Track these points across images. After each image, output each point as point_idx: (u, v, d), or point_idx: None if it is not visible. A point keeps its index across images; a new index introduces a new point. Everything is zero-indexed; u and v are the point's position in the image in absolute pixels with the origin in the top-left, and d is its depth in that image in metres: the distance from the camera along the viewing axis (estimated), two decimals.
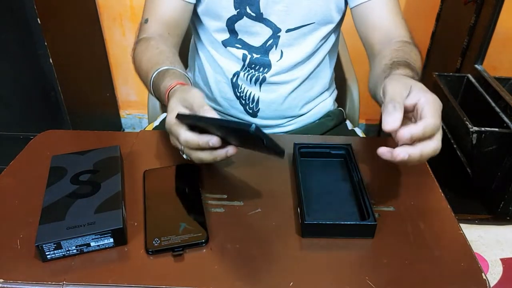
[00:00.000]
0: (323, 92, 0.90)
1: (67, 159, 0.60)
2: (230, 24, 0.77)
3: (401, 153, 0.47)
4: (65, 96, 1.43)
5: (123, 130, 1.99)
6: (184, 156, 0.55)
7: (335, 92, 0.97)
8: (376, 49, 0.76)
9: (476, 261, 0.48)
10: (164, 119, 0.93)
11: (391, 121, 0.47)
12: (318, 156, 0.64)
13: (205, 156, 0.52)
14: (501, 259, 1.17)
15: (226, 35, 0.79)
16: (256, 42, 0.79)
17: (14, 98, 1.44)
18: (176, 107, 0.55)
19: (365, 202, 0.53)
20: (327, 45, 0.84)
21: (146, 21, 0.78)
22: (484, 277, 0.46)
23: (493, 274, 1.14)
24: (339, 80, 1.01)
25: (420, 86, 0.53)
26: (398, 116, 0.47)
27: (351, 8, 0.79)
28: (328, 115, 0.92)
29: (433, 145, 0.48)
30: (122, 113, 1.97)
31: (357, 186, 0.56)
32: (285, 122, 0.88)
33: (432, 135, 0.48)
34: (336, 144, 0.65)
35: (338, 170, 0.62)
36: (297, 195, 0.56)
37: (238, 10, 0.75)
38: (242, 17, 0.76)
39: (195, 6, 0.79)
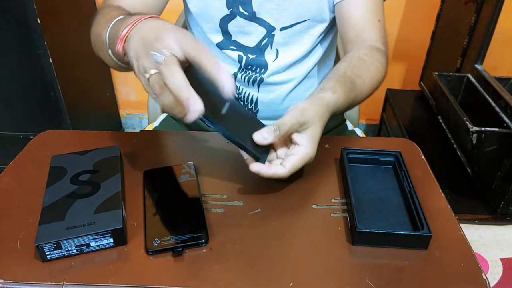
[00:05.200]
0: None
1: (67, 159, 0.60)
2: (223, 24, 0.77)
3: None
4: (65, 96, 1.43)
5: (123, 130, 1.99)
6: (145, 78, 0.47)
7: None
8: (348, 48, 0.75)
9: (476, 261, 0.48)
10: (164, 120, 0.93)
11: (262, 137, 0.53)
12: (366, 163, 0.63)
13: (165, 97, 0.46)
14: (501, 259, 1.17)
15: (220, 37, 0.79)
16: (250, 42, 0.78)
17: (14, 98, 1.44)
18: (173, 28, 0.48)
19: (418, 212, 0.51)
20: (324, 44, 0.84)
21: None
22: (484, 277, 0.46)
23: (493, 274, 1.14)
24: None
25: (313, 133, 0.56)
26: (271, 138, 0.53)
27: (334, 5, 0.77)
28: None
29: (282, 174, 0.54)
30: (122, 113, 1.97)
31: (408, 195, 0.55)
32: None
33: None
34: (385, 151, 0.63)
35: (387, 178, 0.61)
36: (347, 202, 0.55)
37: (231, 9, 0.75)
38: (235, 17, 0.76)
39: (188, 7, 0.79)
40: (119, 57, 0.56)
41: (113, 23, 0.57)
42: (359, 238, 0.50)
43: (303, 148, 0.55)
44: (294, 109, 0.55)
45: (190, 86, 0.45)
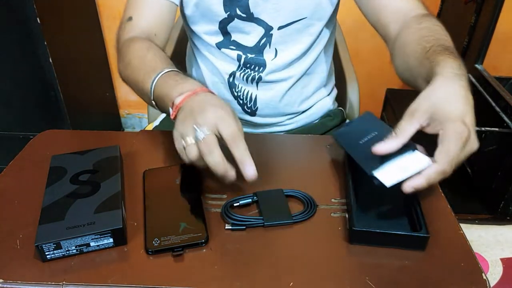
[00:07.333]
0: (320, 88, 0.90)
1: (67, 159, 0.60)
2: (223, 26, 0.77)
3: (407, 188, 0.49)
4: (65, 95, 1.43)
5: (123, 130, 1.99)
6: (181, 145, 0.53)
7: (335, 91, 0.96)
8: (392, 30, 0.71)
9: (476, 261, 0.48)
10: (164, 119, 0.93)
11: (379, 149, 0.50)
12: None
13: (215, 156, 0.50)
14: (501, 259, 1.17)
15: (220, 38, 0.79)
16: (249, 42, 0.78)
17: (14, 98, 1.44)
18: (227, 106, 0.54)
19: (417, 213, 0.51)
20: (322, 41, 0.84)
21: (130, 19, 0.74)
22: (484, 277, 0.46)
23: (493, 274, 1.14)
24: (339, 80, 1.01)
25: (448, 111, 0.50)
26: (391, 146, 0.50)
27: None
28: (328, 114, 0.92)
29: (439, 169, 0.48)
30: (122, 112, 1.97)
31: (409, 196, 0.54)
32: (285, 120, 0.88)
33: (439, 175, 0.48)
34: None
35: None
36: (347, 201, 0.55)
37: (228, 12, 0.75)
38: (233, 19, 0.76)
39: (185, 11, 0.79)
40: (163, 111, 0.64)
41: (158, 77, 0.61)
42: (356, 236, 0.50)
43: (445, 134, 0.48)
44: (418, 102, 0.52)
45: (225, 161, 0.50)
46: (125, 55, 0.70)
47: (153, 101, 0.63)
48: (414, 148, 0.52)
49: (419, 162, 0.50)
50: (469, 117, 0.50)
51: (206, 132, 0.50)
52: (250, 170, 0.50)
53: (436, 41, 0.61)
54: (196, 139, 0.51)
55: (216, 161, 0.50)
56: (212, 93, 0.57)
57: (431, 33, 0.63)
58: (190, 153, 0.51)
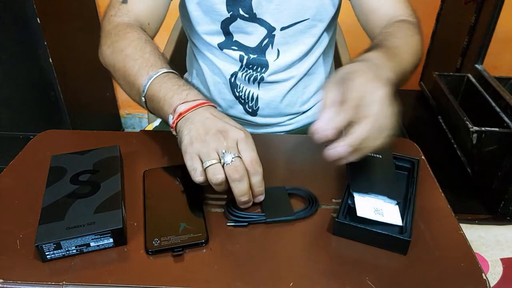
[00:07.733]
0: (321, 89, 0.90)
1: (67, 159, 0.60)
2: (225, 26, 0.77)
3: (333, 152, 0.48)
4: (65, 96, 1.43)
5: (123, 130, 1.99)
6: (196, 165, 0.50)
7: None
8: (376, 34, 0.73)
9: (476, 261, 0.48)
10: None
11: (317, 125, 0.49)
12: None
13: (244, 183, 0.50)
14: (501, 259, 1.17)
15: (222, 38, 0.79)
16: (252, 42, 0.78)
17: (14, 98, 1.44)
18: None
19: (407, 217, 0.51)
20: (323, 42, 0.84)
21: (125, 1, 0.70)
22: (484, 277, 0.46)
23: (493, 274, 1.14)
24: None
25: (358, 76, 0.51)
26: (324, 116, 0.48)
27: None
28: None
29: (360, 130, 0.46)
30: (122, 112, 1.97)
31: (408, 200, 0.54)
32: (286, 121, 0.88)
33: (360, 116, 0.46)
34: (404, 156, 0.62)
35: (399, 182, 0.59)
36: (343, 195, 0.55)
37: (231, 12, 0.75)
38: (236, 19, 0.76)
39: (188, 9, 0.78)
40: (152, 111, 0.61)
41: (157, 75, 0.59)
42: (338, 228, 0.50)
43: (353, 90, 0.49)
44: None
45: (250, 193, 0.51)
46: (118, 40, 0.66)
47: (143, 98, 0.60)
48: (398, 204, 0.53)
49: (393, 217, 0.51)
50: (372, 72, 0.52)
51: (234, 155, 0.49)
52: (260, 199, 0.54)
53: (379, 42, 0.63)
54: (223, 162, 0.49)
55: (245, 190, 0.50)
56: (215, 107, 0.57)
57: (385, 37, 0.65)
58: (215, 175, 0.49)
